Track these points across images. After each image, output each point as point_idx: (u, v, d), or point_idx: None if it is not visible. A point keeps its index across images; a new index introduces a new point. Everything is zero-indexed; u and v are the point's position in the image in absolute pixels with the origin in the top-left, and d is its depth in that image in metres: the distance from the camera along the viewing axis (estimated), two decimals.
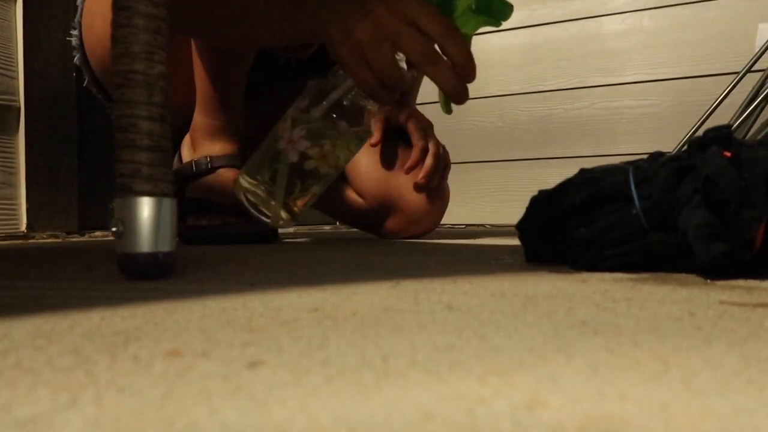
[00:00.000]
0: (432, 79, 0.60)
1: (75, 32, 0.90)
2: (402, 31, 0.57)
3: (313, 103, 0.64)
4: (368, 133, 0.67)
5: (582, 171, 0.53)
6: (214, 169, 0.87)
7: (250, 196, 0.66)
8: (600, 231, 0.49)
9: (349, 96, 0.64)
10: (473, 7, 0.61)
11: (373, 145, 0.97)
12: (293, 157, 0.64)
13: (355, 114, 0.65)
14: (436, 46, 0.59)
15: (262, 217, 0.67)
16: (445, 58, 0.59)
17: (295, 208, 0.68)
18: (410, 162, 0.96)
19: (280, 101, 0.96)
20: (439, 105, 0.64)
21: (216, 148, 0.88)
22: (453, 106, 0.63)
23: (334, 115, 0.64)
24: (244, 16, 0.66)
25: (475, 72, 0.61)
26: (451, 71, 0.59)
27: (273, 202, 0.66)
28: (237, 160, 0.88)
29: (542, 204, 0.54)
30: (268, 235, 0.92)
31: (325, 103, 0.64)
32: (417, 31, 0.58)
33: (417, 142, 0.96)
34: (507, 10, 0.62)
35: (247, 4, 0.65)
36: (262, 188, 0.66)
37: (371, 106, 0.66)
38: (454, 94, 0.60)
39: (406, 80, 0.61)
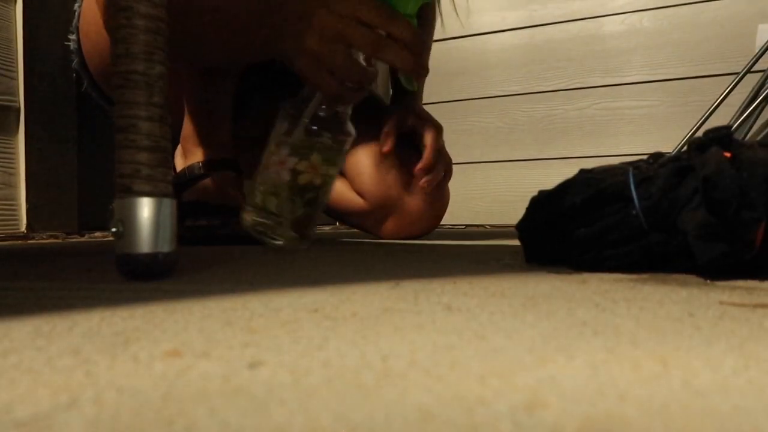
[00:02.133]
0: (386, 62, 0.64)
1: (73, 37, 0.91)
2: (345, 29, 0.62)
3: (291, 124, 0.65)
4: (350, 137, 0.68)
5: (582, 171, 0.53)
6: (206, 174, 0.88)
7: (258, 228, 0.68)
8: (600, 231, 0.49)
9: (322, 106, 0.65)
10: None
11: (385, 153, 0.97)
12: (285, 177, 0.65)
13: (335, 121, 0.66)
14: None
15: (276, 243, 0.69)
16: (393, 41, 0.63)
17: (305, 228, 0.68)
18: (423, 163, 0.95)
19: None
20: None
21: (207, 153, 0.89)
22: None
23: (315, 128, 0.65)
24: (201, 33, 0.69)
25: (424, 47, 0.67)
26: (403, 50, 0.63)
27: (281, 228, 0.67)
28: (228, 163, 0.89)
29: (542, 204, 0.54)
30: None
31: (304, 118, 0.65)
32: (359, 25, 0.62)
33: (430, 144, 0.96)
34: None
35: (204, 20, 0.68)
36: (268, 217, 0.67)
37: (344, 108, 0.67)
38: (412, 70, 0.65)
39: (369, 73, 0.64)
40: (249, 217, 0.68)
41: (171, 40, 0.55)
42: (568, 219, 0.51)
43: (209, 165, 0.88)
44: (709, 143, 0.48)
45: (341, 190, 1.05)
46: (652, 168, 0.50)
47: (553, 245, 0.54)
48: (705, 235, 0.43)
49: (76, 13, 0.90)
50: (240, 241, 0.87)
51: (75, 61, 0.92)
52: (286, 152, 0.65)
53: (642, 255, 0.48)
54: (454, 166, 1.06)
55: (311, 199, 0.67)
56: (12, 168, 1.19)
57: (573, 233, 0.51)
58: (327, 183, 0.68)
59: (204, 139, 0.89)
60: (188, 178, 0.89)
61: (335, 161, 0.68)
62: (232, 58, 0.78)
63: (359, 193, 1.03)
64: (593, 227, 0.50)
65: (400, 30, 0.63)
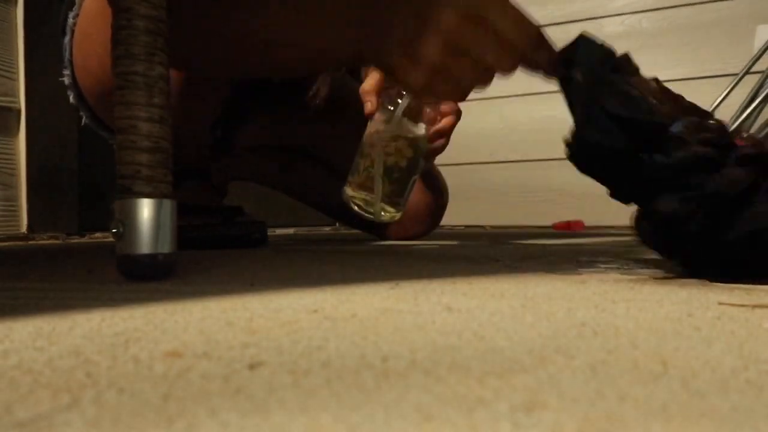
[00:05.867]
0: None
1: (66, 72, 0.87)
2: (473, 39, 0.50)
3: (387, 115, 0.75)
4: (431, 125, 0.78)
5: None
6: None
7: (357, 201, 0.77)
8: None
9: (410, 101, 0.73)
10: None
11: (367, 116, 0.85)
12: (377, 158, 0.75)
13: (421, 108, 0.76)
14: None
15: (369, 216, 0.77)
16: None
17: (396, 204, 0.78)
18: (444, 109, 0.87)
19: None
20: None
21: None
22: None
23: (406, 119, 0.74)
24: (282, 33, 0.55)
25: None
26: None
27: (374, 204, 0.77)
28: (195, 173, 0.87)
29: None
30: (255, 239, 0.88)
31: (397, 112, 0.74)
32: (489, 35, 0.50)
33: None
34: None
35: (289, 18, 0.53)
36: (364, 192, 0.77)
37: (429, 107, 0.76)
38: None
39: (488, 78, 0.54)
40: (349, 191, 0.77)
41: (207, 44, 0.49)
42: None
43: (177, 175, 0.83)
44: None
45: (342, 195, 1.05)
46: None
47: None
48: None
49: (67, 48, 0.85)
50: (227, 244, 0.84)
51: (72, 96, 0.88)
52: (377, 138, 0.75)
53: None
54: (454, 167, 1.06)
55: (397, 177, 0.77)
56: (13, 169, 1.19)
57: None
58: (413, 166, 0.77)
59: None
60: None
61: (419, 145, 0.77)
62: (298, 66, 0.62)
63: None
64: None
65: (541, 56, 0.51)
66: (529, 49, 0.51)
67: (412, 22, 0.50)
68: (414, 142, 0.77)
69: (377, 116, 0.76)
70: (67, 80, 0.88)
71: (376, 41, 0.52)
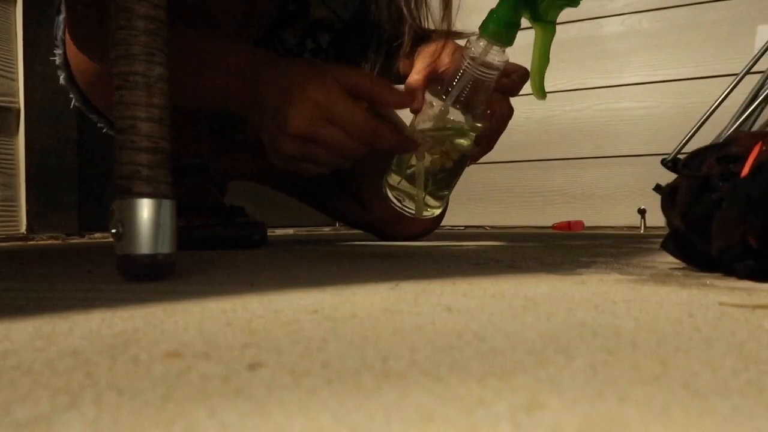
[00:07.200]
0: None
1: (58, 51, 0.84)
2: (318, 132, 0.60)
3: (434, 105, 0.71)
4: (482, 123, 0.73)
5: None
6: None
7: (397, 195, 0.74)
8: None
9: (465, 90, 0.69)
10: None
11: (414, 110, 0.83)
12: (420, 158, 0.72)
13: (472, 106, 0.71)
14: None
15: (408, 212, 0.73)
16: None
17: (436, 201, 0.74)
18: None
19: None
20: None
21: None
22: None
23: (453, 110, 0.70)
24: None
25: (412, 100, 0.67)
26: (392, 132, 0.65)
27: (415, 200, 0.74)
28: (194, 168, 0.87)
29: None
30: (255, 240, 0.87)
31: (443, 109, 0.70)
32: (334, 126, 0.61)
33: (499, 111, 0.84)
34: None
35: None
36: (407, 185, 0.73)
37: (485, 94, 0.71)
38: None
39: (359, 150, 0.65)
40: (391, 180, 0.74)
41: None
42: None
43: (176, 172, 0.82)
44: None
45: (346, 200, 1.05)
46: None
47: None
48: None
49: (60, 25, 0.82)
50: (226, 245, 0.83)
51: (62, 77, 0.85)
52: (423, 137, 0.71)
53: None
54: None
55: (442, 177, 0.73)
56: (12, 169, 1.19)
57: None
58: (459, 163, 0.74)
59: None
60: None
61: (466, 145, 0.73)
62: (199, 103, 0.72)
63: (361, 201, 1.02)
64: None
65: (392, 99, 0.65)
66: (372, 139, 0.63)
67: (269, 123, 0.61)
68: (461, 141, 0.74)
69: (424, 109, 0.72)
70: (58, 59, 0.85)
71: (251, 118, 0.64)
